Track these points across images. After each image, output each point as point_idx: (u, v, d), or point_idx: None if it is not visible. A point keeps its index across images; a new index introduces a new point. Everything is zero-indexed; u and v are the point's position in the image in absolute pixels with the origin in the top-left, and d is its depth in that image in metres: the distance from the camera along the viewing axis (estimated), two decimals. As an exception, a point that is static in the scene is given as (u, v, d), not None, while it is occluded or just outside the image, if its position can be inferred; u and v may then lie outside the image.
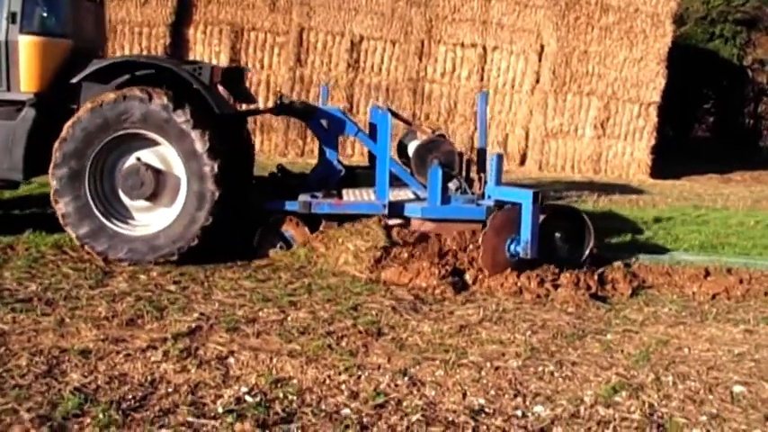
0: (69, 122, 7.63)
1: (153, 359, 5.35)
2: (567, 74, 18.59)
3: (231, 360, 5.40)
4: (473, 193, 8.36)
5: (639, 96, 18.76)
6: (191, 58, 18.31)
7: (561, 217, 8.19)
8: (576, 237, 8.11)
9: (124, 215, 7.90)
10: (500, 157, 8.24)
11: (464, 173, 8.58)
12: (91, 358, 5.32)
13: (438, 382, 5.19)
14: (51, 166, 7.66)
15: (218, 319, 6.22)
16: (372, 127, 9.34)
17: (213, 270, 7.66)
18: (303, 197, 8.37)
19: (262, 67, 18.53)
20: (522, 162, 18.65)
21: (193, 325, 6.04)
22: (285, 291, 7.09)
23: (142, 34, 18.15)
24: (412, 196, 8.54)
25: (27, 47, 7.86)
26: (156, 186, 7.72)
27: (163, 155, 7.74)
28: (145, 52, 18.16)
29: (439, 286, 7.31)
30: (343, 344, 5.82)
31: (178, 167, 7.69)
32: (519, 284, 7.43)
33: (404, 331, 6.15)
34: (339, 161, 9.27)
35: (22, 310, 6.28)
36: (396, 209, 8.27)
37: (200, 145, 7.50)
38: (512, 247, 7.65)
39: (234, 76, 9.34)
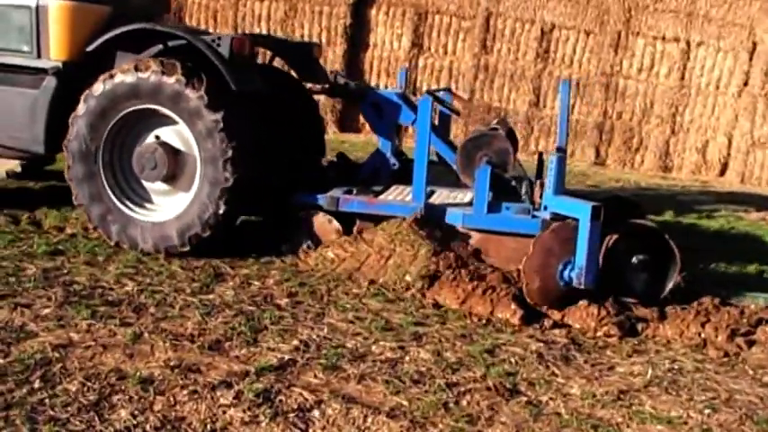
0: (83, 95, 6.96)
1: (222, 401, 4.31)
2: (783, 76, 16.35)
3: (315, 413, 4.27)
4: (532, 203, 6.88)
5: None
6: (371, 40, 17.58)
7: (638, 238, 6.45)
8: (659, 265, 6.43)
9: (141, 198, 7.20)
10: (561, 159, 6.66)
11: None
12: (150, 391, 4.35)
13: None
14: (65, 140, 7.05)
15: (320, 351, 5.12)
16: (441, 116, 8.27)
17: (337, 283, 6.58)
18: (333, 192, 7.31)
19: (445, 52, 17.52)
20: (723, 173, 16.59)
21: (286, 357, 4.96)
22: (414, 317, 5.89)
23: (322, 13, 17.52)
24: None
25: (58, 11, 7.17)
26: (172, 168, 6.98)
27: (183, 134, 6.93)
28: (325, 32, 17.58)
29: (601, 327, 5.91)
30: (464, 403, 4.56)
31: (195, 148, 6.88)
32: (703, 336, 5.91)
33: (545, 391, 4.82)
34: (396, 152, 8.09)
35: (102, 316, 5.45)
36: (435, 213, 7.02)
37: (212, 124, 6.68)
38: (565, 272, 6.15)
39: (300, 51, 8.30)
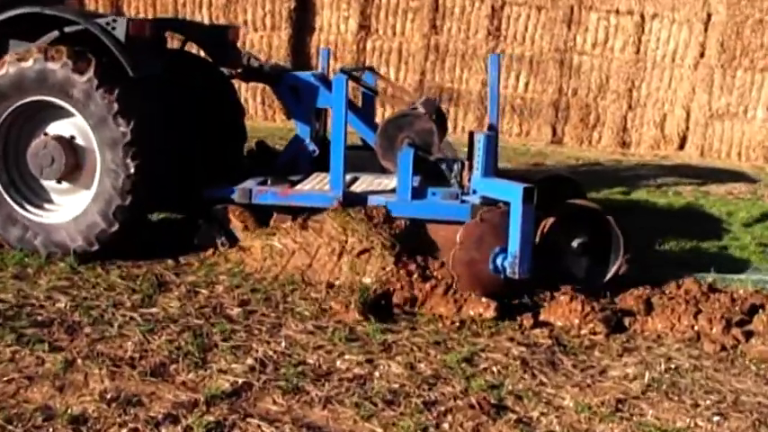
0: None
1: (167, 440, 3.72)
2: (738, 46, 15.91)
3: (277, 449, 3.70)
4: (461, 187, 6.39)
5: (826, 74, 15.98)
6: (317, 24, 16.94)
7: (579, 220, 6.05)
8: (600, 249, 6.02)
9: (41, 199, 6.62)
10: (489, 138, 6.16)
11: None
12: (82, 432, 3.74)
13: None
14: None
15: (278, 371, 4.53)
16: (365, 98, 7.79)
17: (293, 286, 5.98)
18: (246, 183, 6.77)
19: (394, 34, 16.89)
20: (682, 146, 16.18)
21: (240, 380, 4.35)
22: (380, 324, 5.31)
23: (266, -3, 16.79)
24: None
25: None
26: (70, 163, 6.41)
27: (80, 126, 6.38)
28: (269, 17, 16.89)
29: (586, 324, 5.40)
30: (446, 425, 4.00)
31: (93, 139, 6.34)
32: (696, 329, 5.43)
33: (535, 405, 4.28)
34: (317, 138, 7.55)
35: (29, 341, 4.80)
36: (355, 202, 6.49)
37: (105, 109, 6.14)
38: (498, 260, 5.68)
39: (213, 35, 7.72)
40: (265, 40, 16.77)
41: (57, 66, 6.17)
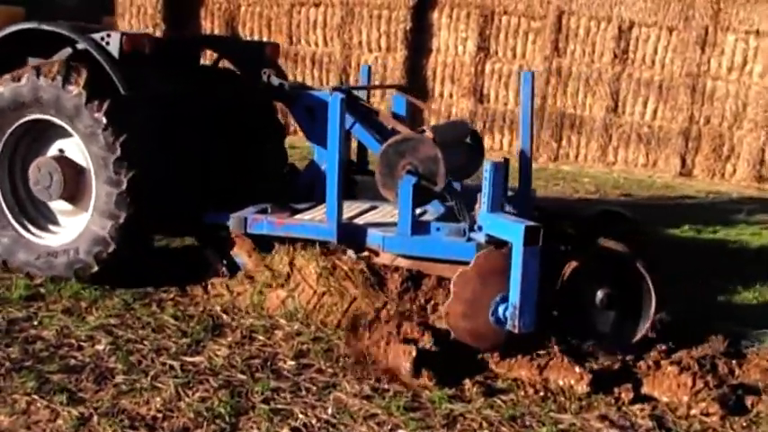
0: None
1: None
2: None
3: None
4: (472, 222, 5.51)
5: None
6: (433, 45, 16.39)
7: (605, 265, 5.15)
8: (631, 300, 5.10)
9: (47, 221, 6.45)
10: (497, 166, 5.23)
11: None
12: None
13: None
14: None
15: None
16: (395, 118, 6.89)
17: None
18: (244, 211, 6.21)
19: (514, 56, 16.15)
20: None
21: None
22: (448, 391, 4.55)
23: (381, 18, 16.33)
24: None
25: None
26: (70, 184, 6.20)
27: (79, 144, 6.15)
28: (384, 38, 16.45)
29: (696, 402, 4.49)
30: None
31: (88, 157, 6.08)
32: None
33: None
34: None
35: (51, 390, 4.40)
36: (352, 235, 5.82)
37: (95, 122, 5.88)
38: (499, 310, 4.85)
39: (248, 52, 7.36)
40: (380, 62, 16.33)
41: (48, 82, 6.02)
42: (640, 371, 4.85)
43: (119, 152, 5.85)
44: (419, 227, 5.63)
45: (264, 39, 16.52)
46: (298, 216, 6.23)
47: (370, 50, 16.41)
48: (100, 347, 4.96)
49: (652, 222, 9.11)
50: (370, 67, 7.86)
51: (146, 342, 5.08)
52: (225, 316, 5.59)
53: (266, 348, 5.08)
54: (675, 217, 9.78)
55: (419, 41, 16.23)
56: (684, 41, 14.91)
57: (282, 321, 5.50)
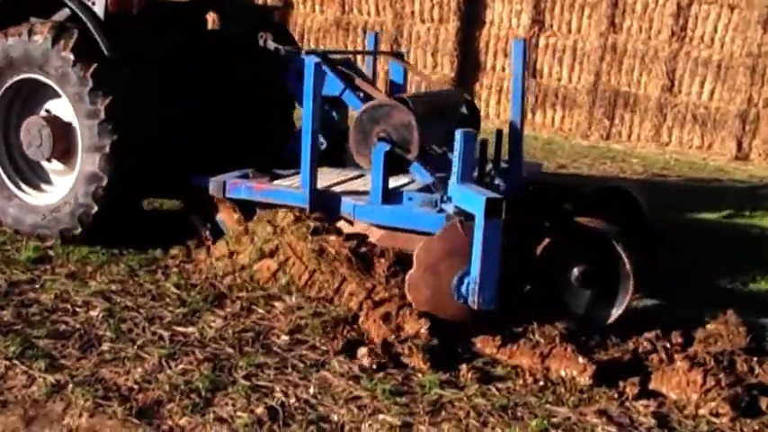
0: None
1: None
2: None
3: None
4: (442, 192, 5.29)
5: None
6: (487, 17, 16.02)
7: (581, 242, 4.96)
8: (608, 279, 4.89)
9: (40, 180, 6.47)
10: (467, 136, 4.95)
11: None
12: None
13: None
14: None
15: (288, 427, 3.66)
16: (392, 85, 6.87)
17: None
18: (224, 175, 6.10)
19: (569, 31, 15.72)
20: None
21: (234, 437, 3.54)
22: (442, 375, 4.34)
23: (435, -11, 16.05)
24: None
25: None
26: (59, 143, 6.15)
27: (69, 105, 6.06)
28: (437, 9, 16.13)
29: (706, 402, 4.21)
30: None
31: (75, 117, 6.02)
32: None
33: None
34: (328, 128, 6.43)
35: (34, 355, 4.32)
36: (326, 202, 5.71)
37: (81, 82, 5.82)
38: (462, 286, 4.64)
39: (257, 14, 7.28)
40: (432, 32, 16.05)
41: (38, 42, 5.94)
42: (651, 364, 4.58)
43: (103, 115, 5.80)
44: (391, 196, 5.48)
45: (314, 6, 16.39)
46: (277, 182, 6.10)
47: (423, 21, 16.15)
48: (93, 314, 4.86)
49: (685, 205, 8.78)
50: (377, 34, 7.64)
51: (141, 310, 4.96)
52: (226, 285, 5.43)
53: (262, 321, 4.92)
54: (719, 201, 9.36)
55: (472, 13, 15.91)
56: (746, 20, 14.31)
57: (285, 295, 5.32)
